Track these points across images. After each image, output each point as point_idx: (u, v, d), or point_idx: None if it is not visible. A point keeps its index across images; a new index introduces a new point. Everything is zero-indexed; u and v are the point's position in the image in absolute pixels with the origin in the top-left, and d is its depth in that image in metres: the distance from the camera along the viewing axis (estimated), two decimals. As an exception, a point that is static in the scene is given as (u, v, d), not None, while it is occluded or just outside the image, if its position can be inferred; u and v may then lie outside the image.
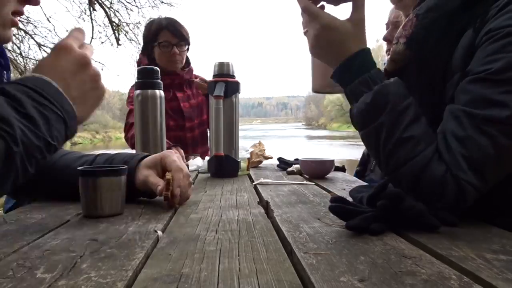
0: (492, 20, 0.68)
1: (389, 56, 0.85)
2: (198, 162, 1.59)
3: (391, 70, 0.84)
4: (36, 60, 14.15)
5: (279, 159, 1.63)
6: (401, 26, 0.82)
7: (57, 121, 0.57)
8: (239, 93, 1.44)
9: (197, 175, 1.44)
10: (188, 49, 2.05)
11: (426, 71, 0.77)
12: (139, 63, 2.03)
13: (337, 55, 0.73)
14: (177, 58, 1.97)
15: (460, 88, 0.69)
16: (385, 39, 1.35)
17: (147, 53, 2.02)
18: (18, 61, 14.06)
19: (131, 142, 1.74)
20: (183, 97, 2.05)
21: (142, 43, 2.11)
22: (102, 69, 15.90)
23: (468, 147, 0.65)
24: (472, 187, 0.64)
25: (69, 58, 0.62)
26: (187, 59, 2.08)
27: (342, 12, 0.75)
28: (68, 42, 0.63)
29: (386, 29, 1.38)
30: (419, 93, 0.75)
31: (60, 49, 0.62)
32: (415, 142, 0.68)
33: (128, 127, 1.86)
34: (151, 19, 2.12)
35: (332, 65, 0.75)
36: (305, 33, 0.76)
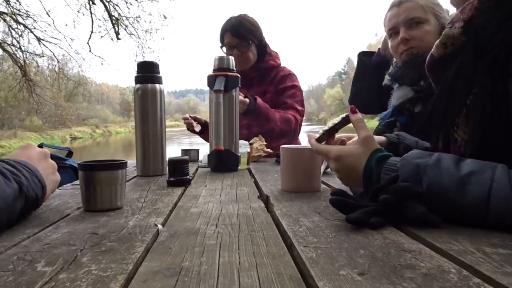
0: None
1: (438, 40, 0.79)
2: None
3: (439, 55, 0.79)
4: (36, 54, 14.16)
5: (278, 154, 1.63)
6: (458, 10, 0.77)
7: (38, 186, 0.71)
8: (239, 87, 1.44)
9: (197, 169, 1.44)
10: (257, 46, 2.02)
11: (484, 59, 0.69)
12: None
13: (358, 176, 0.75)
14: (239, 60, 1.92)
15: None
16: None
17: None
18: (18, 55, 14.06)
19: None
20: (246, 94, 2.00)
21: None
22: (102, 64, 15.84)
23: None
24: None
25: (32, 150, 0.79)
26: (263, 51, 2.06)
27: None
28: (27, 144, 0.83)
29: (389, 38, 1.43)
30: (475, 81, 0.69)
31: (23, 146, 0.81)
32: (479, 173, 0.60)
33: None
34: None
35: (360, 185, 0.75)
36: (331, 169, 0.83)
